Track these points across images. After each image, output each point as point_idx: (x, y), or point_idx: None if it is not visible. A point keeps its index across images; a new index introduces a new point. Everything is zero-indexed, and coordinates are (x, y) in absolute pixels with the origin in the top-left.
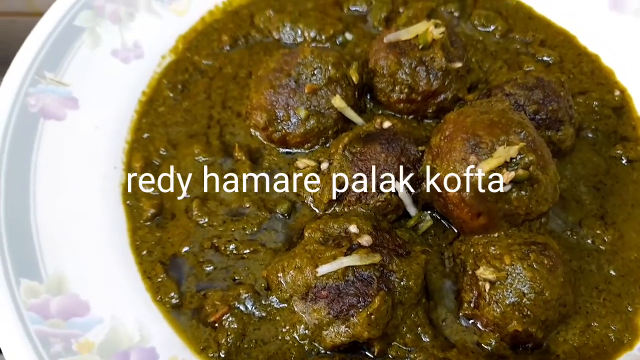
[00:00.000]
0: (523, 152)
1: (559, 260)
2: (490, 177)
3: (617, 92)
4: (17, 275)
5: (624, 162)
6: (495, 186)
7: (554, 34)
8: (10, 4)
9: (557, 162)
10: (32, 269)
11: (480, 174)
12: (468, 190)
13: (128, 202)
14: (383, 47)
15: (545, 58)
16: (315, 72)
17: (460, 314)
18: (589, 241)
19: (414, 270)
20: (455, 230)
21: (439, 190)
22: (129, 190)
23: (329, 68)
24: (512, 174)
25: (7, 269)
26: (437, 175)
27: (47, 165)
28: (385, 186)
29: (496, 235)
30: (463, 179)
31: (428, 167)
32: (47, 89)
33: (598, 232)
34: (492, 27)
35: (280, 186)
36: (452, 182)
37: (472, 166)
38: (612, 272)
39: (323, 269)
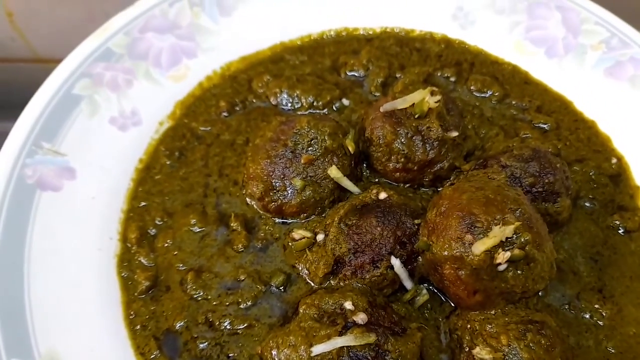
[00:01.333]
0: (519, 231)
1: (556, 339)
2: (486, 257)
3: (614, 160)
4: (9, 355)
5: (621, 232)
6: (491, 265)
7: (551, 99)
8: (13, 51)
9: (554, 232)
10: (24, 349)
11: (475, 254)
12: (464, 269)
13: (123, 274)
14: (379, 116)
15: (541, 125)
16: (311, 142)
17: None
18: (587, 316)
19: (409, 349)
20: (452, 304)
21: (435, 266)
22: (124, 262)
23: (326, 138)
24: (508, 254)
25: None
26: (433, 251)
27: (42, 239)
28: (381, 261)
29: (493, 312)
30: (459, 258)
31: (424, 244)
32: (45, 160)
33: (596, 306)
34: (489, 93)
35: (275, 258)
36: (447, 260)
37: (468, 245)
38: (611, 350)
39: (317, 349)
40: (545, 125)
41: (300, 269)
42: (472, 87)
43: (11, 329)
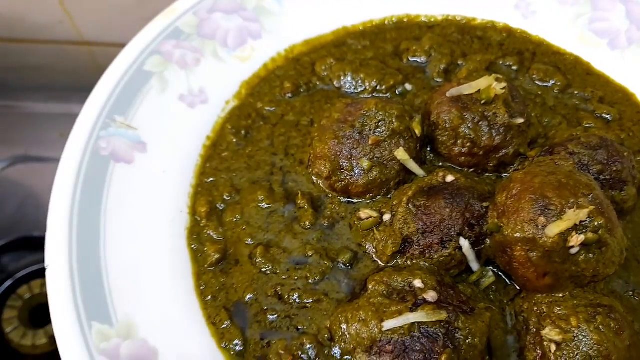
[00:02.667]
0: (592, 216)
1: (624, 323)
2: (559, 239)
3: None
4: (89, 318)
5: None
6: (564, 248)
7: (613, 91)
8: (60, 34)
9: (619, 221)
10: (103, 313)
11: (549, 236)
12: (536, 250)
13: (193, 246)
14: (446, 100)
15: (604, 115)
16: (379, 124)
17: None
18: None
19: (479, 328)
20: (517, 287)
21: (504, 248)
22: (194, 234)
23: (393, 120)
24: (582, 237)
25: (79, 311)
26: (504, 233)
27: (116, 208)
28: (450, 241)
29: (561, 295)
30: (531, 240)
31: (494, 225)
32: (118, 132)
33: None
34: (551, 82)
35: (342, 236)
36: (519, 242)
37: (541, 227)
38: None
39: (389, 324)
40: (608, 116)
41: (367, 247)
42: (534, 76)
43: (90, 295)
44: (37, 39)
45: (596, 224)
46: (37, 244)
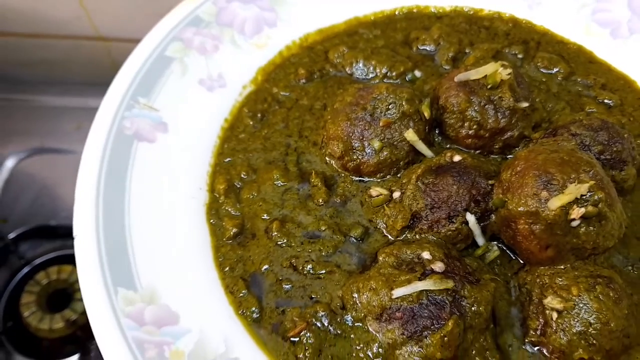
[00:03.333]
0: (593, 190)
1: (623, 293)
2: (561, 212)
3: None
4: (115, 284)
5: None
6: (565, 221)
7: (615, 78)
8: (77, 29)
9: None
10: (128, 280)
11: (551, 209)
12: (539, 223)
13: (212, 221)
14: (454, 85)
15: (606, 101)
16: (389, 106)
17: (527, 340)
18: None
19: (484, 296)
20: (521, 261)
21: (508, 222)
22: (213, 210)
23: (403, 103)
24: (582, 210)
25: (106, 278)
26: (509, 208)
27: (140, 184)
28: (457, 216)
29: (562, 267)
30: (534, 213)
31: (499, 200)
32: (141, 113)
33: None
34: (555, 70)
35: (354, 212)
36: (522, 216)
37: (544, 201)
38: None
39: (398, 292)
40: (609, 102)
41: (377, 222)
42: (539, 64)
43: (116, 263)
44: (54, 34)
45: (596, 197)
46: (53, 233)
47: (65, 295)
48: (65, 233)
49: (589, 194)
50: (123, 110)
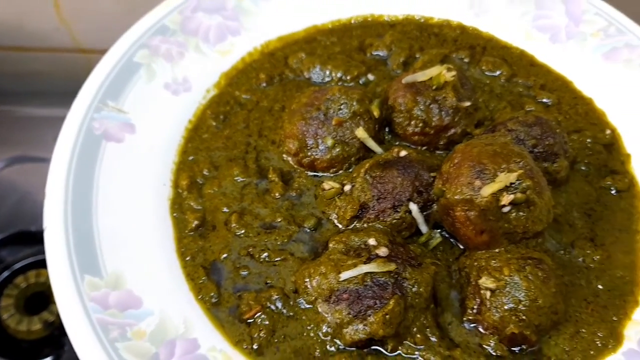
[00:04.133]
0: (521, 178)
1: (551, 273)
2: (492, 199)
3: (608, 131)
4: (82, 272)
5: (613, 192)
6: (497, 207)
7: (553, 79)
8: (57, 41)
9: (553, 190)
10: (94, 267)
11: (483, 196)
12: (473, 210)
13: (175, 214)
14: (401, 87)
15: (544, 100)
16: (341, 107)
17: (464, 318)
18: (580, 260)
19: (424, 278)
20: (461, 247)
21: (447, 210)
22: (176, 204)
23: (354, 104)
24: (511, 196)
25: (74, 266)
26: (447, 197)
27: (107, 180)
28: (401, 206)
29: (497, 250)
30: (469, 200)
31: (439, 190)
32: (109, 115)
33: (588, 252)
34: (498, 72)
35: (308, 205)
36: (459, 204)
37: (477, 189)
38: (600, 287)
39: (345, 275)
40: (548, 101)
41: (329, 213)
42: (483, 68)
43: (83, 252)
44: (34, 46)
45: (524, 185)
46: (33, 238)
47: (43, 297)
48: (43, 238)
49: (517, 182)
50: (92, 112)
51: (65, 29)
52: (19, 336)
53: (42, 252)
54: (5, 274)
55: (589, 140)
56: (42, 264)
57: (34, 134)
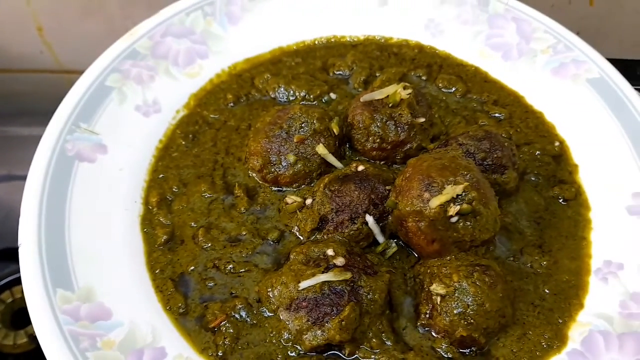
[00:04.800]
0: (467, 190)
1: (499, 279)
2: (440, 210)
3: (557, 143)
4: (54, 285)
5: (560, 201)
6: (445, 218)
7: (506, 94)
8: (41, 63)
9: (503, 200)
10: (66, 282)
11: (432, 207)
12: (423, 220)
13: (145, 229)
14: (360, 105)
15: (497, 115)
16: (302, 125)
17: (418, 323)
18: (529, 265)
19: (379, 286)
20: (417, 256)
21: (401, 221)
22: (146, 220)
23: (314, 122)
24: (458, 207)
25: (46, 280)
26: (399, 208)
27: (80, 198)
28: (358, 218)
29: (448, 258)
30: (419, 212)
31: (392, 203)
32: (82, 137)
33: (536, 258)
34: (454, 89)
35: (272, 218)
36: (410, 215)
37: (426, 201)
38: (547, 291)
39: (304, 284)
40: (500, 115)
41: (292, 226)
42: (440, 85)
43: (56, 267)
44: (19, 68)
45: (470, 196)
46: (18, 255)
47: (28, 313)
48: None
49: (464, 193)
50: (65, 134)
51: (49, 51)
52: (5, 350)
53: None
54: None
55: (538, 152)
56: None
57: (19, 153)
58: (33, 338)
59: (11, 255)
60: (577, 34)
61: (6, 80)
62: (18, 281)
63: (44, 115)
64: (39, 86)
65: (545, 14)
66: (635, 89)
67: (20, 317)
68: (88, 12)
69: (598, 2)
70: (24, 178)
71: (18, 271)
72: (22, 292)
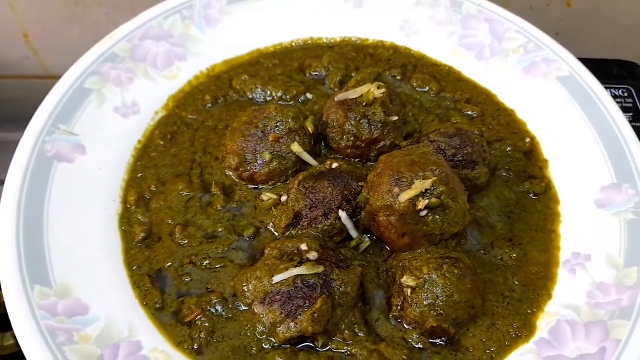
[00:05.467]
0: (435, 185)
1: (468, 271)
2: (409, 204)
3: (527, 139)
4: (32, 282)
5: (531, 195)
6: (414, 211)
7: (478, 93)
8: (27, 68)
9: (474, 195)
10: (44, 278)
11: (401, 202)
12: (393, 215)
13: (123, 227)
14: (334, 104)
15: (469, 112)
16: (278, 124)
17: (390, 315)
18: (499, 258)
19: (351, 279)
20: (389, 249)
21: (372, 215)
22: (125, 219)
23: (289, 121)
24: (426, 201)
25: (24, 277)
26: (371, 203)
27: (58, 199)
28: (331, 213)
29: (419, 251)
30: (389, 206)
31: (363, 198)
32: (61, 138)
33: (506, 250)
34: (427, 88)
35: (247, 215)
36: (381, 209)
37: (396, 195)
38: (516, 282)
39: (277, 278)
40: (472, 113)
41: (267, 222)
42: (414, 84)
43: (33, 264)
44: (6, 74)
45: (438, 190)
46: None
47: None
48: None
49: (432, 188)
50: (44, 135)
51: (35, 56)
52: None
53: None
54: None
55: (509, 148)
56: None
57: (7, 157)
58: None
59: None
60: (556, 35)
61: None
62: None
63: (29, 121)
64: (25, 91)
65: (523, 16)
66: (611, 87)
67: (6, 320)
68: (73, 17)
69: (575, 3)
70: None
71: None
72: None
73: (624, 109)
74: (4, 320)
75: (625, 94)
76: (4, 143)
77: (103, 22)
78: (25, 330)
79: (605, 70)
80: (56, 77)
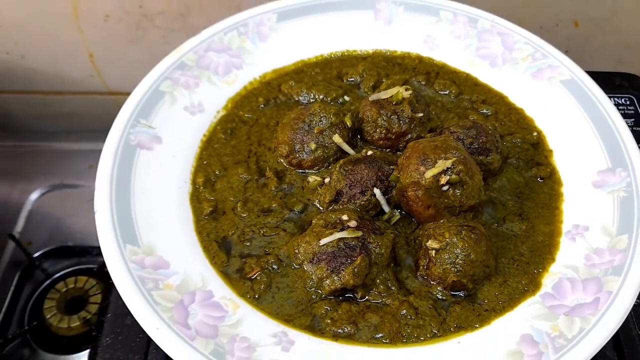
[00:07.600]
0: (455, 164)
1: (483, 237)
2: (433, 180)
3: (535, 133)
4: (124, 242)
5: (538, 179)
6: (437, 187)
7: (492, 95)
8: (91, 86)
9: (490, 179)
10: (133, 239)
11: (427, 178)
12: (420, 189)
13: (193, 204)
14: (368, 103)
15: (484, 111)
16: (321, 119)
17: (417, 274)
18: (510, 230)
19: (384, 242)
20: (417, 223)
21: (402, 192)
22: (194, 197)
23: (331, 116)
24: (448, 177)
25: (118, 238)
26: (401, 181)
27: (141, 178)
28: (367, 191)
29: (441, 221)
30: (417, 182)
31: (395, 177)
32: (142, 130)
33: (516, 223)
34: (448, 91)
35: (297, 194)
36: (409, 185)
37: (422, 173)
38: (525, 249)
39: (323, 241)
40: (487, 112)
41: (313, 200)
42: (436, 88)
43: (124, 228)
44: (71, 90)
45: (458, 169)
46: (70, 251)
47: (81, 300)
48: (79, 251)
49: (453, 167)
50: (129, 128)
51: (98, 75)
52: (61, 332)
53: (79, 263)
54: (48, 281)
55: (519, 140)
56: (79, 272)
57: (69, 164)
58: (85, 322)
59: (64, 252)
60: (566, 52)
61: (59, 101)
62: (71, 274)
63: (90, 132)
64: (87, 107)
65: (534, 34)
66: (614, 97)
67: (73, 304)
68: (133, 40)
69: (582, 24)
70: (73, 186)
71: (71, 265)
72: (74, 282)
73: (627, 116)
74: (70, 305)
75: (628, 102)
76: (68, 152)
77: (160, 44)
78: (123, 279)
79: (610, 81)
80: (116, 94)
